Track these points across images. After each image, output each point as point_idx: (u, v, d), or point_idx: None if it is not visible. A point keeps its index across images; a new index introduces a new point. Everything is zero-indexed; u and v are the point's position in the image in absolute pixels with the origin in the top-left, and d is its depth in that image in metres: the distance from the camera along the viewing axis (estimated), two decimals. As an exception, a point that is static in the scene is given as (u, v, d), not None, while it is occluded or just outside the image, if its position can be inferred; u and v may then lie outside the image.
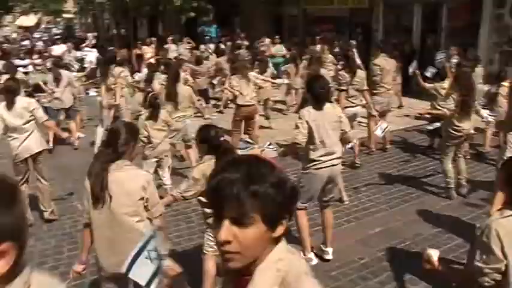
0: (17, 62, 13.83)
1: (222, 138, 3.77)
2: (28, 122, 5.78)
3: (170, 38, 16.47)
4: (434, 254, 2.71)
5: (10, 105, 5.68)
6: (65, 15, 48.02)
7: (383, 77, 8.43)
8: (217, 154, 3.59)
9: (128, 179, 3.18)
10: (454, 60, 8.51)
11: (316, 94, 4.65)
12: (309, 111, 4.65)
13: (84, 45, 17.11)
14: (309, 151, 4.69)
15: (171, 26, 22.51)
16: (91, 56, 16.16)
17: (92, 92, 14.35)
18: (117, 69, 9.49)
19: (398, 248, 5.33)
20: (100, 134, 7.87)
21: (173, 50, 16.11)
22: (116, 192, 3.13)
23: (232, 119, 8.68)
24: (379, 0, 15.71)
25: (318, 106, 4.64)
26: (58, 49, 16.70)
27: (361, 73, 7.78)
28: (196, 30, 20.82)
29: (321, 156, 4.67)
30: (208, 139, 3.73)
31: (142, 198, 3.20)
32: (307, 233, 4.95)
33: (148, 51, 15.61)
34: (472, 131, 6.60)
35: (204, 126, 3.95)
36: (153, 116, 6.19)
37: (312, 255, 4.97)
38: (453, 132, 6.31)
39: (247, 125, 8.70)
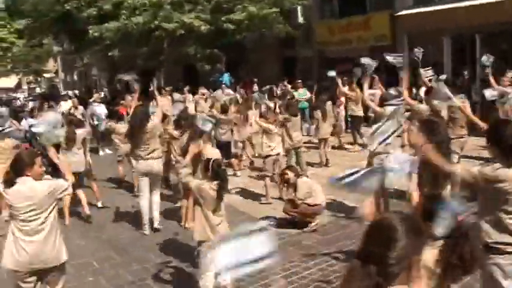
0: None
1: None
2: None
3: (186, 88, 15.63)
4: None
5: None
6: (45, 75, 47.05)
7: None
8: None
9: None
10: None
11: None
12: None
13: (92, 99, 16.12)
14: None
15: (170, 76, 21.68)
16: (99, 110, 15.08)
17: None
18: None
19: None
20: None
21: (190, 101, 15.25)
22: None
23: None
24: (403, 35, 15.19)
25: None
26: (65, 105, 15.57)
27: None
28: (196, 78, 20.15)
29: None
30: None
31: None
32: None
33: (165, 103, 14.57)
34: None
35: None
36: None
37: None
38: None
39: None
